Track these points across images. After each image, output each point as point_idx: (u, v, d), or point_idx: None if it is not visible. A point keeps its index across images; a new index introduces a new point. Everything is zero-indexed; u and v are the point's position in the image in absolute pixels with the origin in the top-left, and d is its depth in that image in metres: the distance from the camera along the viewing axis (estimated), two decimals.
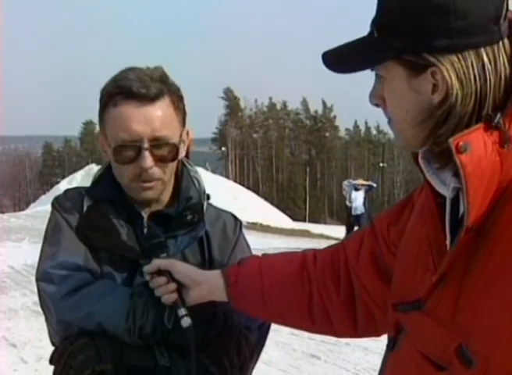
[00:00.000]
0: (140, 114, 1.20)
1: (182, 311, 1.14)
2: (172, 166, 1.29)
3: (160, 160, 1.24)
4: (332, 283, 1.16)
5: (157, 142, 1.22)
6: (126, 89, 1.20)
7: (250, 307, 1.19)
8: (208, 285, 1.18)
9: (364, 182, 14.76)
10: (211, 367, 1.22)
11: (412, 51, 0.83)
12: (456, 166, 0.79)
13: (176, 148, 1.26)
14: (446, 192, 0.87)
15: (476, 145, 0.79)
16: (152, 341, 1.17)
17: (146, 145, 1.21)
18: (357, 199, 13.45)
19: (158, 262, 1.18)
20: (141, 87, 1.20)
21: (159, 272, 1.17)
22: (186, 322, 1.13)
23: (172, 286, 1.16)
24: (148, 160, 1.21)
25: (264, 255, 1.24)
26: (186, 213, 1.30)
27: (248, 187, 32.33)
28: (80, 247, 1.24)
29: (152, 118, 1.21)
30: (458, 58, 0.80)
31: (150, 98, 1.20)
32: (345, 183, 14.57)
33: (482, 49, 0.80)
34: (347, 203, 13.75)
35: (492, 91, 0.81)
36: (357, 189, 13.60)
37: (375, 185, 15.22)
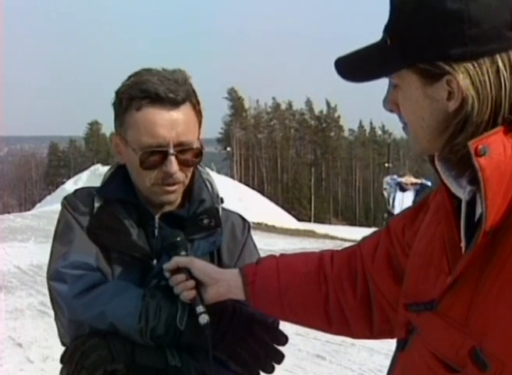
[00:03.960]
0: (166, 118, 1.20)
1: (200, 308, 1.14)
2: (192, 169, 1.30)
3: (184, 164, 1.24)
4: (348, 284, 1.16)
5: (181, 147, 1.22)
6: (152, 93, 1.19)
7: (267, 306, 1.19)
8: (225, 283, 1.18)
9: (415, 180, 10.74)
10: (227, 362, 1.21)
11: (427, 60, 0.82)
12: (475, 169, 0.79)
13: (199, 152, 1.26)
14: (462, 195, 0.87)
15: (495, 148, 0.79)
16: (164, 343, 1.17)
17: (172, 150, 1.21)
18: (404, 203, 9.79)
19: (177, 260, 1.19)
20: (169, 92, 1.19)
21: (178, 269, 1.18)
22: (204, 319, 1.13)
23: (191, 283, 1.16)
24: (174, 165, 1.22)
25: (281, 254, 1.25)
26: (202, 217, 1.30)
27: (253, 188, 32.33)
28: (92, 247, 1.25)
29: (177, 123, 1.21)
30: (473, 65, 0.80)
31: (176, 103, 1.20)
32: (387, 179, 11.11)
33: (497, 56, 0.80)
34: (389, 208, 10.29)
35: (508, 98, 0.81)
36: (403, 189, 10.34)
37: (429, 183, 9.95)
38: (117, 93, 1.24)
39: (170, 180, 1.24)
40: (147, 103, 1.19)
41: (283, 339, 1.24)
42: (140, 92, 1.20)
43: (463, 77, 0.80)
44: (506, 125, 0.81)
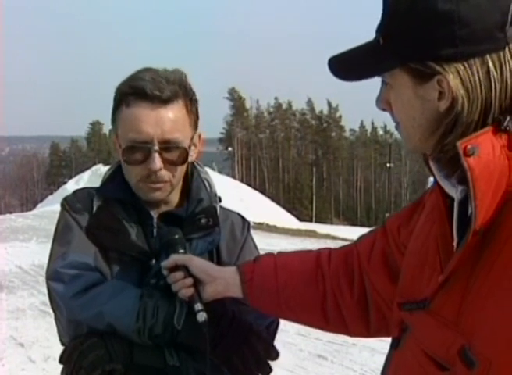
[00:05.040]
0: (152, 116, 1.20)
1: (198, 306, 1.15)
2: (182, 168, 1.29)
3: (169, 163, 1.24)
4: (345, 282, 1.17)
5: (167, 145, 1.23)
6: (139, 90, 1.20)
7: (265, 304, 1.20)
8: (223, 281, 1.19)
9: None
10: (221, 366, 1.21)
11: (418, 60, 0.83)
12: (464, 170, 0.79)
13: (185, 152, 1.26)
14: (455, 194, 0.87)
15: (484, 148, 0.79)
16: (162, 342, 1.18)
17: (156, 147, 1.21)
18: None
19: (175, 257, 1.19)
20: (155, 89, 1.20)
21: (176, 267, 1.18)
22: (202, 316, 1.13)
23: (189, 281, 1.17)
24: (157, 162, 1.22)
25: (279, 253, 1.26)
26: (200, 216, 1.30)
27: (254, 188, 32.31)
28: (90, 247, 1.25)
29: (163, 120, 1.21)
30: (464, 66, 0.81)
31: (163, 100, 1.21)
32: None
33: (488, 56, 0.81)
34: None
35: (497, 98, 0.81)
36: None
37: None
38: (115, 89, 1.26)
39: (154, 177, 1.24)
40: (134, 99, 1.21)
41: (274, 354, 1.24)
42: (130, 88, 1.22)
43: (453, 77, 0.81)
44: (496, 125, 0.81)
